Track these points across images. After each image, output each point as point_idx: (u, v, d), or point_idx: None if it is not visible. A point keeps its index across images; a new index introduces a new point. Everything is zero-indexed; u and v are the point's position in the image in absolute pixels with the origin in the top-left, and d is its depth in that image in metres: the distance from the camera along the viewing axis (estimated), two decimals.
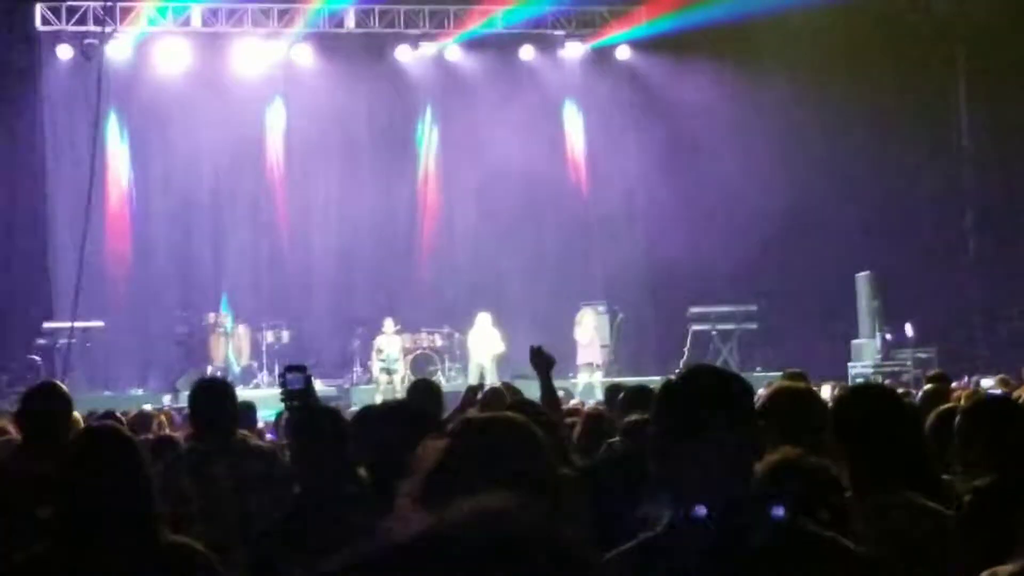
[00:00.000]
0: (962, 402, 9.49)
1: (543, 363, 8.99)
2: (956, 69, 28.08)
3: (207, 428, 7.56)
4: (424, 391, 9.54)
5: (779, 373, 22.19)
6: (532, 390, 25.20)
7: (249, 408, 11.02)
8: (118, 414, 12.65)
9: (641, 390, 9.03)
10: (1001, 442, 5.42)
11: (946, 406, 7.56)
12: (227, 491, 7.25)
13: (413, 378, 26.21)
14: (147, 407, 16.30)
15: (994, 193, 27.74)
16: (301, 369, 7.61)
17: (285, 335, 27.17)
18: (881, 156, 27.59)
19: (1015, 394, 11.97)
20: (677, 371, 5.77)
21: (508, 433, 3.78)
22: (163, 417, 14.02)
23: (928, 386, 11.48)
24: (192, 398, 7.78)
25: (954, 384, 15.19)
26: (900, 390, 14.02)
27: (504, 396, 10.65)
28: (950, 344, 25.75)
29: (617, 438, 8.09)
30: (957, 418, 5.75)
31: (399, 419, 6.34)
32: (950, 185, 28.38)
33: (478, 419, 4.08)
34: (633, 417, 7.57)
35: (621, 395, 9.54)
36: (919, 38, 27.40)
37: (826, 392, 12.82)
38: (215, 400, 7.61)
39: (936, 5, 27.62)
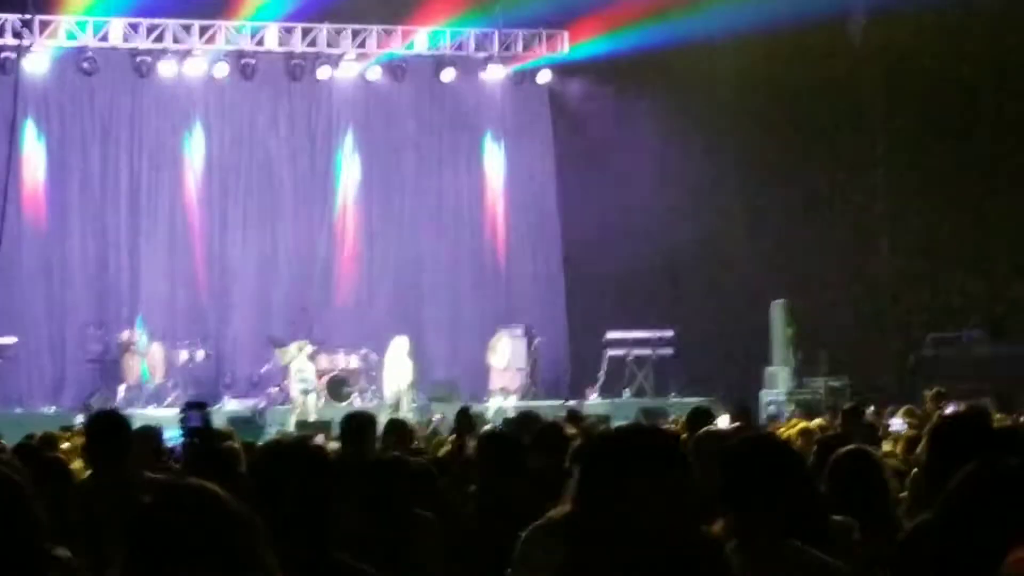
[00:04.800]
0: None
1: None
2: (874, 101, 28.27)
3: (100, 463, 7.52)
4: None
5: (693, 399, 22.38)
6: (448, 412, 25.11)
7: (154, 432, 10.93)
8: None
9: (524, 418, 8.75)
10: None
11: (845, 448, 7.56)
12: (116, 527, 7.17)
13: (329, 399, 26.17)
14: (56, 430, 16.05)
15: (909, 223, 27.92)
16: (201, 407, 7.59)
17: (200, 354, 26.99)
18: (797, 186, 27.77)
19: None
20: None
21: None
22: (74, 440, 13.81)
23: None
24: (86, 432, 7.72)
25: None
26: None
27: (413, 429, 10.58)
28: (862, 372, 25.96)
29: None
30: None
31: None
32: (865, 213, 28.55)
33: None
34: None
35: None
36: (839, 70, 27.57)
37: (723, 422, 12.82)
38: (108, 435, 7.55)
39: (853, 33, 27.75)
